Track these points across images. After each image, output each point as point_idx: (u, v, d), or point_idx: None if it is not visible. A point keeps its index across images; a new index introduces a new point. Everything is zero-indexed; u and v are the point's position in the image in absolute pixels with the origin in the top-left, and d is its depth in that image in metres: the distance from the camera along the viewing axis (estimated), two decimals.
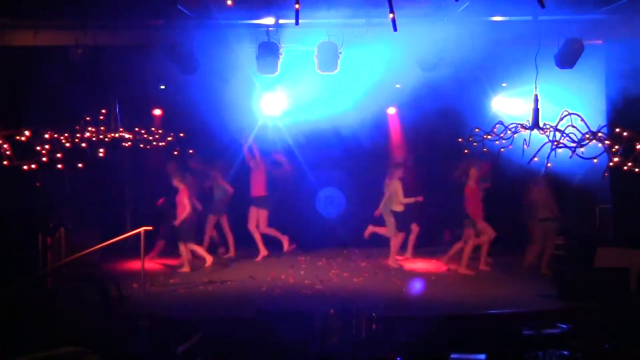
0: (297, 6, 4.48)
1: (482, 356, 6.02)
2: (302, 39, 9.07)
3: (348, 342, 6.40)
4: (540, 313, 7.41)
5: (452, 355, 6.05)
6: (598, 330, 6.38)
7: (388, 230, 10.82)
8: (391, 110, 12.90)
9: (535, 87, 8.42)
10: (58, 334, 6.61)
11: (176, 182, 10.14)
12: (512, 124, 8.45)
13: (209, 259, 10.36)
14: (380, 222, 11.03)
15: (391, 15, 4.36)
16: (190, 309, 7.99)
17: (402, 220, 10.66)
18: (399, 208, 10.57)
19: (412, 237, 11.06)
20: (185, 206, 9.98)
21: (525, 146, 8.25)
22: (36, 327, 6.92)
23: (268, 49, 9.02)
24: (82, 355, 5.99)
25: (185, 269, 10.23)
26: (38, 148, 8.25)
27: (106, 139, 9.33)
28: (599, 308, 7.36)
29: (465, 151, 9.22)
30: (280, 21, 8.98)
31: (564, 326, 6.48)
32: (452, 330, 7.15)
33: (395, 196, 10.53)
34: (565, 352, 5.99)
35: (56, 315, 7.01)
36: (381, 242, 12.36)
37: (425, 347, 6.35)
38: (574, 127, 7.58)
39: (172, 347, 6.22)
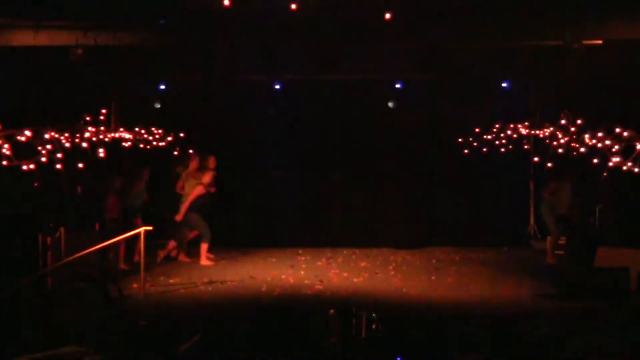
0: (293, 7, 4.50)
1: (482, 356, 6.02)
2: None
3: (348, 342, 6.39)
4: (540, 313, 7.41)
5: (452, 356, 6.06)
6: (598, 330, 6.38)
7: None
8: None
9: (535, 87, 8.44)
10: (58, 334, 6.61)
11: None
12: (512, 123, 8.48)
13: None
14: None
15: (387, 16, 4.38)
16: (190, 309, 7.99)
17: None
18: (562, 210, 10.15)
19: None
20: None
21: (526, 146, 8.28)
22: (36, 327, 6.93)
23: (268, 48, 9.03)
24: (82, 355, 5.99)
25: None
26: (39, 148, 8.26)
27: (106, 139, 9.33)
28: (599, 308, 7.36)
29: (465, 151, 9.23)
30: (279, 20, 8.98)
31: (564, 326, 6.48)
32: (452, 330, 7.15)
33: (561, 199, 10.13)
34: (565, 353, 5.99)
35: (56, 315, 7.01)
36: (381, 243, 12.37)
37: (425, 347, 6.35)
38: (574, 127, 7.60)
39: (172, 347, 6.22)
